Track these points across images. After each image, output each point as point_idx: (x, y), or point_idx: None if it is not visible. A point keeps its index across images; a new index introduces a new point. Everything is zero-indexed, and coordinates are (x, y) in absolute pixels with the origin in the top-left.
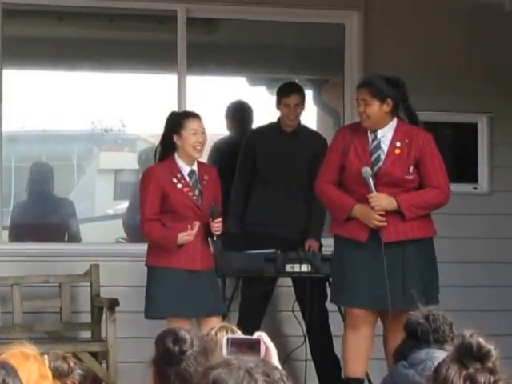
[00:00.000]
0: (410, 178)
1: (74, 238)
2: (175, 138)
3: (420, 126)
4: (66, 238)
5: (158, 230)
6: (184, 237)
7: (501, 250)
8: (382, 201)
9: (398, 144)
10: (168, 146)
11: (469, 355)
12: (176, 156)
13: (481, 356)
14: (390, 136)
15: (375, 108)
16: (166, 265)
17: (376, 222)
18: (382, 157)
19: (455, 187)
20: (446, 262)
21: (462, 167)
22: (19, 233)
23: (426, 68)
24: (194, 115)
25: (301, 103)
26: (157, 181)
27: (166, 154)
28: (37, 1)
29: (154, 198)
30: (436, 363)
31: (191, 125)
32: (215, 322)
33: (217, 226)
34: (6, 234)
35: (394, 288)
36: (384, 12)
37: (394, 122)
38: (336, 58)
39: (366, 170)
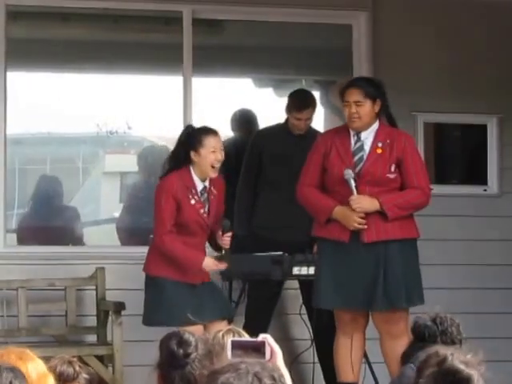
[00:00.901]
0: (392, 177)
1: (72, 242)
2: (193, 154)
3: (399, 128)
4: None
5: (182, 247)
6: (211, 266)
7: (511, 251)
8: (363, 202)
9: (380, 144)
10: (181, 158)
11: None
12: (191, 170)
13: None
14: (371, 137)
15: (367, 108)
16: (170, 277)
17: (356, 225)
18: (364, 157)
19: (465, 189)
20: (456, 265)
21: (472, 169)
22: (25, 236)
23: (435, 69)
24: (213, 132)
25: (312, 115)
26: (175, 193)
27: (178, 165)
28: (41, 2)
29: (172, 210)
30: None
31: (210, 142)
32: (222, 327)
33: (226, 239)
34: (9, 236)
35: (376, 288)
36: (392, 12)
37: (377, 123)
38: (343, 59)
39: (348, 172)
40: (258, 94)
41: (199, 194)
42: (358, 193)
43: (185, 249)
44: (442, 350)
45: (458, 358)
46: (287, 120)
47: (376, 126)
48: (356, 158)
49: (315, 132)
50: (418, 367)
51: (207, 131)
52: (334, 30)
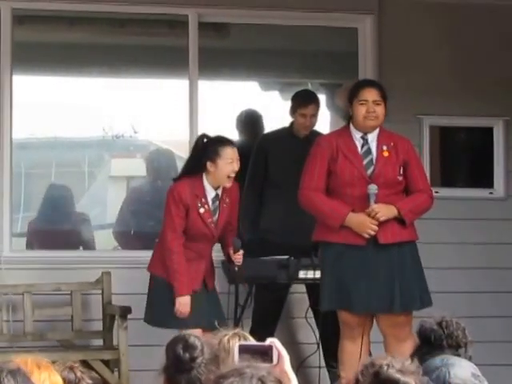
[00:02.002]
0: (400, 179)
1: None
2: (209, 164)
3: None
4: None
5: (182, 265)
6: (183, 308)
7: None
8: (384, 210)
9: (385, 147)
10: (196, 167)
11: None
12: (204, 178)
13: None
14: (375, 141)
15: (383, 109)
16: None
17: (370, 231)
18: (374, 160)
19: (471, 192)
20: (462, 268)
21: (478, 172)
22: (31, 241)
23: (441, 72)
24: (230, 143)
25: (317, 113)
26: (184, 200)
27: (192, 172)
28: (47, 6)
29: (182, 216)
30: (451, 369)
31: (228, 154)
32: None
33: (239, 258)
34: (15, 241)
35: (392, 291)
36: (398, 15)
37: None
38: (349, 62)
39: (373, 187)
40: (263, 98)
41: (210, 202)
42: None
43: (183, 268)
44: (378, 360)
45: (394, 367)
46: (292, 124)
47: (377, 129)
48: (366, 161)
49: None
50: (355, 379)
51: (224, 142)
52: (340, 33)
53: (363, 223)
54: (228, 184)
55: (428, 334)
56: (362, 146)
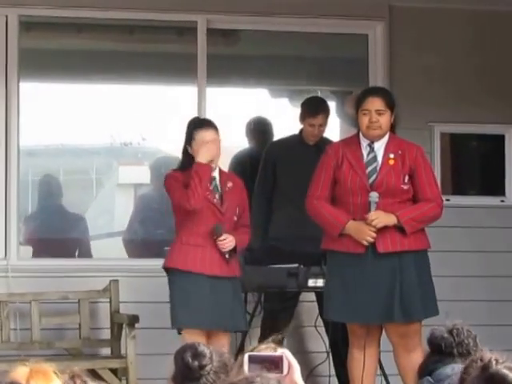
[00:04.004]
0: (406, 187)
1: (85, 254)
2: (189, 149)
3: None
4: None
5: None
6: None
7: None
8: (381, 217)
9: (392, 155)
10: (185, 159)
11: None
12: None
13: None
14: (382, 149)
15: (387, 118)
16: (183, 267)
17: (369, 238)
18: (378, 168)
19: (482, 200)
20: (473, 277)
21: (489, 180)
22: (38, 249)
23: (452, 79)
24: (205, 124)
25: (325, 122)
26: (181, 179)
27: (187, 163)
28: (55, 13)
29: (182, 186)
30: None
31: (201, 136)
32: (225, 339)
33: (222, 244)
34: (22, 249)
35: (393, 301)
36: (408, 22)
37: (387, 134)
38: (359, 69)
39: (374, 195)
40: (273, 105)
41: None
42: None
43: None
44: (486, 355)
45: (503, 363)
46: (301, 131)
47: (387, 137)
48: (369, 169)
49: (329, 142)
50: (461, 373)
51: (197, 124)
52: (350, 39)
53: (361, 230)
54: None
55: (438, 342)
56: (368, 154)
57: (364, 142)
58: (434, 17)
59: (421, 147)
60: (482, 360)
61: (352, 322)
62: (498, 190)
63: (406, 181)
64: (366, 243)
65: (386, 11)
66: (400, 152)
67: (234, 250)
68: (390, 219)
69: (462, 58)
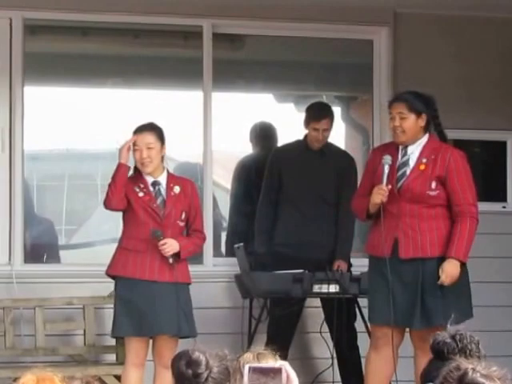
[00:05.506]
0: (433, 194)
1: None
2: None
3: (449, 144)
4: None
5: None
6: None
7: None
8: (449, 272)
9: (424, 160)
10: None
11: None
12: None
13: None
14: (417, 152)
15: (411, 122)
16: (123, 274)
17: (381, 197)
18: (408, 173)
19: (484, 206)
20: (475, 282)
21: (491, 185)
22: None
23: (456, 85)
24: (138, 130)
25: (330, 127)
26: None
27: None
28: (60, 16)
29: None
30: None
31: (136, 142)
32: (171, 344)
33: (162, 249)
34: (27, 254)
35: (415, 306)
36: (413, 28)
37: (425, 138)
38: (364, 75)
39: (387, 158)
40: (278, 110)
41: (150, 188)
42: (399, 208)
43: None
44: (463, 364)
45: (480, 371)
46: (306, 137)
47: (424, 140)
48: (399, 173)
49: (334, 148)
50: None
51: (135, 130)
52: (355, 45)
53: (374, 192)
54: (145, 169)
55: (441, 347)
56: (402, 158)
57: (400, 146)
58: (439, 23)
59: (456, 151)
60: (458, 369)
61: (371, 322)
62: (499, 196)
63: (434, 187)
64: (379, 201)
65: (392, 17)
66: (433, 157)
67: (177, 255)
68: (454, 269)
69: (465, 64)
